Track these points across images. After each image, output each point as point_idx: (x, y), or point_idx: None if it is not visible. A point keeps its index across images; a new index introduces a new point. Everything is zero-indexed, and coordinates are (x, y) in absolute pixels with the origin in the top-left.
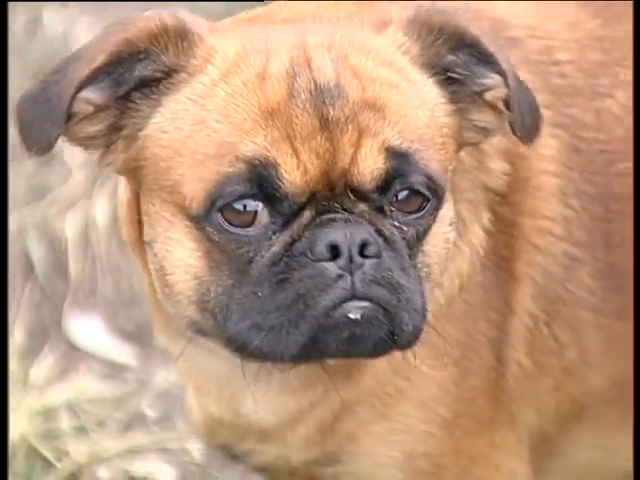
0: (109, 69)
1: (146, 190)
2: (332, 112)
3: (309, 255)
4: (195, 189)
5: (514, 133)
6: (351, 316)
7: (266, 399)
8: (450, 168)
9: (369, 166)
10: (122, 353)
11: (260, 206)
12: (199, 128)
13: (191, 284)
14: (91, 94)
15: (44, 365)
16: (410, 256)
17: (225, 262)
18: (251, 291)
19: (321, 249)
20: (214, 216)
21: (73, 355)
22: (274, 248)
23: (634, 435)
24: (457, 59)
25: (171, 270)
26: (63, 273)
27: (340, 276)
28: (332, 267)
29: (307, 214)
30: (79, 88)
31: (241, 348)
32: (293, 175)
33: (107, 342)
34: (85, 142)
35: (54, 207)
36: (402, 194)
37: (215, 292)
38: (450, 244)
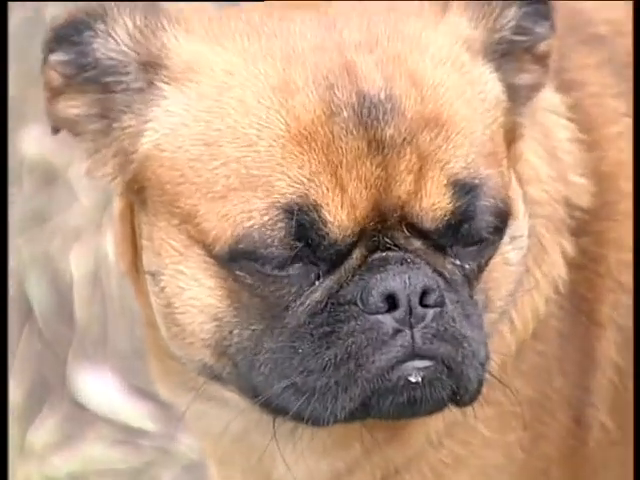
0: (70, 36)
1: (150, 210)
2: (385, 131)
3: (360, 305)
4: (219, 227)
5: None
6: (412, 379)
7: (298, 463)
8: (508, 178)
9: (434, 204)
10: (138, 415)
11: (300, 249)
12: (210, 152)
13: (209, 327)
14: (58, 58)
15: (45, 427)
16: (470, 295)
17: (256, 306)
18: (287, 344)
19: (375, 299)
20: (245, 262)
21: (79, 416)
22: (316, 294)
23: (634, 436)
24: (514, 25)
25: (183, 309)
26: (67, 317)
27: (398, 331)
28: (389, 321)
29: (357, 254)
30: (48, 51)
31: (273, 411)
32: (339, 216)
33: (120, 401)
34: (67, 124)
35: (57, 238)
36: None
37: (239, 337)
38: (511, 265)
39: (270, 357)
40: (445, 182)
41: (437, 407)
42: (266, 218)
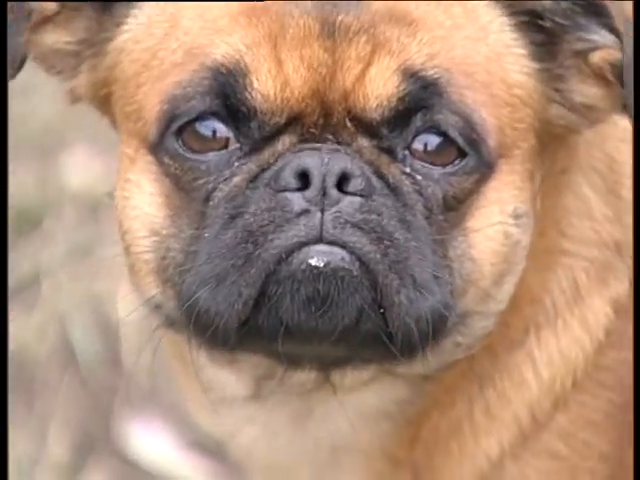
0: None
1: (119, 125)
2: (341, 17)
3: (272, 184)
4: (155, 102)
5: (624, 112)
6: (312, 262)
7: None
8: (524, 146)
9: (377, 88)
10: (194, 471)
11: (223, 128)
12: (171, 31)
13: (149, 242)
14: None
15: None
16: (434, 228)
17: (185, 207)
18: (205, 237)
19: (286, 175)
20: (169, 140)
21: (127, 473)
22: (236, 178)
23: (634, 437)
24: (556, 4)
25: (128, 225)
26: (114, 364)
27: (306, 211)
28: (296, 198)
29: (285, 140)
30: None
31: (193, 316)
32: (267, 85)
33: (173, 456)
34: (51, 58)
35: (102, 275)
36: (425, 138)
37: (174, 251)
38: (512, 242)
39: (195, 261)
40: (394, 67)
41: (359, 325)
42: (193, 76)
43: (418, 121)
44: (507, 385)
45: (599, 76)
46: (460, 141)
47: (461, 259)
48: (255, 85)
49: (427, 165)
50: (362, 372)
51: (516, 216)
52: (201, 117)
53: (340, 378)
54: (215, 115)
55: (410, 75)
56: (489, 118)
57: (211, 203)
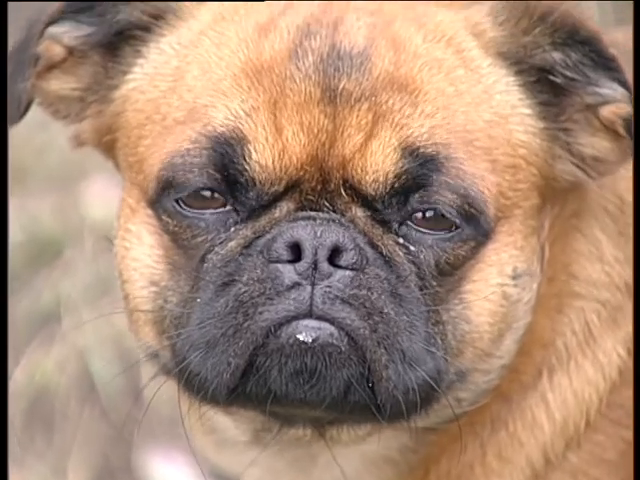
0: (85, 6)
1: (121, 172)
2: (343, 83)
3: (264, 253)
4: (156, 160)
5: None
6: (300, 337)
7: None
8: (526, 205)
9: (376, 164)
10: None
11: (219, 183)
12: (175, 86)
13: (147, 293)
14: (61, 29)
15: None
16: (429, 297)
17: (182, 263)
18: (198, 301)
19: (279, 246)
20: (167, 200)
21: None
22: (232, 243)
23: (634, 436)
24: (566, 57)
25: (127, 275)
26: (134, 395)
27: (297, 284)
28: (287, 271)
29: (283, 207)
30: (48, 23)
31: (184, 377)
32: (264, 155)
33: None
34: (56, 103)
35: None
36: (420, 213)
37: (171, 304)
38: (511, 302)
39: (190, 319)
40: (395, 144)
41: (339, 390)
42: (193, 145)
43: (415, 201)
44: (520, 428)
45: (609, 129)
46: (456, 219)
47: (456, 321)
48: (253, 155)
49: (422, 229)
50: (358, 429)
51: (515, 276)
52: (198, 190)
53: (337, 434)
54: (211, 189)
55: (410, 152)
56: (489, 187)
57: (206, 265)
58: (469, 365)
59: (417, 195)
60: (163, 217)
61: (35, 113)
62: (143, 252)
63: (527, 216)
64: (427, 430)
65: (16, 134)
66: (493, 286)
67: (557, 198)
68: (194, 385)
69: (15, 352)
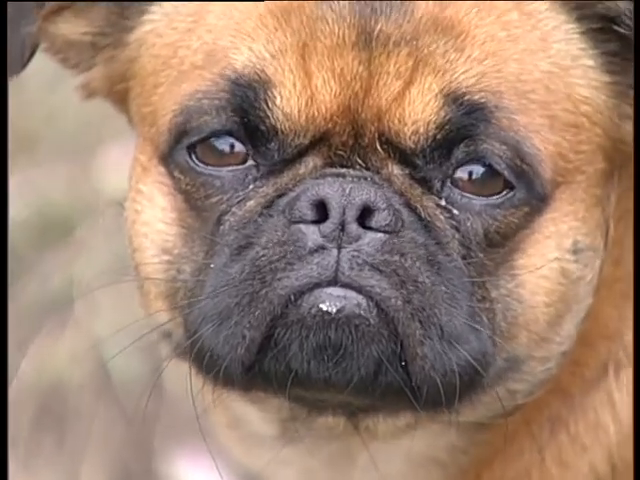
0: None
1: (134, 126)
2: (380, 25)
3: (286, 212)
4: (169, 108)
5: None
6: (323, 307)
7: None
8: (589, 170)
9: (415, 113)
10: None
11: (241, 144)
12: (195, 27)
13: (160, 262)
14: None
15: None
16: (473, 268)
17: (197, 227)
18: (212, 267)
19: (302, 205)
20: (180, 154)
21: None
22: (250, 202)
23: (634, 436)
24: (632, 6)
25: (138, 242)
26: (155, 390)
27: (321, 248)
28: (311, 232)
29: (309, 163)
30: None
31: (195, 354)
32: (290, 102)
33: None
34: (66, 50)
35: None
36: (468, 167)
37: (185, 273)
38: (572, 280)
39: (204, 290)
40: (436, 90)
41: (368, 370)
42: (210, 88)
43: (460, 153)
44: (582, 430)
45: None
46: (507, 174)
47: (506, 299)
48: (277, 101)
49: (468, 195)
50: (396, 419)
51: (576, 250)
52: (214, 135)
53: (373, 424)
54: (230, 134)
55: (454, 99)
56: (545, 145)
57: (222, 228)
58: (523, 351)
59: (462, 145)
60: (175, 174)
61: (44, 71)
62: (154, 215)
63: (591, 184)
64: (476, 427)
65: (22, 96)
66: (550, 261)
67: (626, 167)
68: (206, 362)
69: (22, 342)
